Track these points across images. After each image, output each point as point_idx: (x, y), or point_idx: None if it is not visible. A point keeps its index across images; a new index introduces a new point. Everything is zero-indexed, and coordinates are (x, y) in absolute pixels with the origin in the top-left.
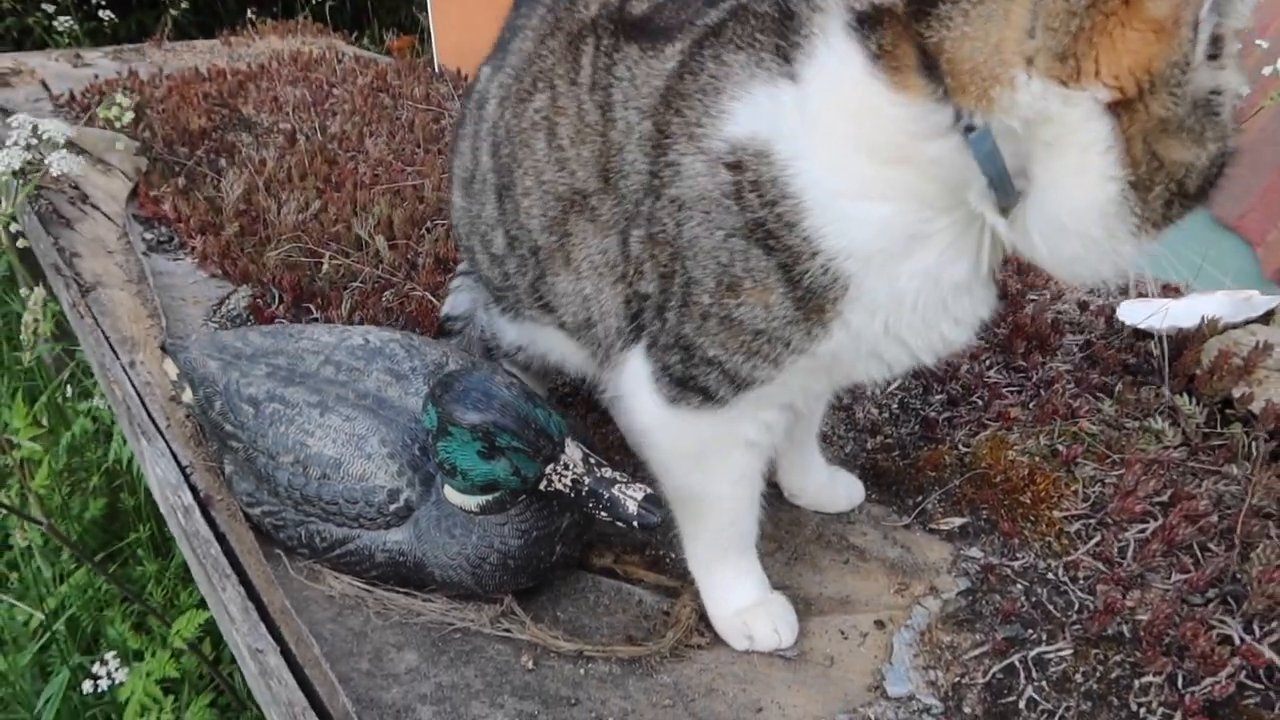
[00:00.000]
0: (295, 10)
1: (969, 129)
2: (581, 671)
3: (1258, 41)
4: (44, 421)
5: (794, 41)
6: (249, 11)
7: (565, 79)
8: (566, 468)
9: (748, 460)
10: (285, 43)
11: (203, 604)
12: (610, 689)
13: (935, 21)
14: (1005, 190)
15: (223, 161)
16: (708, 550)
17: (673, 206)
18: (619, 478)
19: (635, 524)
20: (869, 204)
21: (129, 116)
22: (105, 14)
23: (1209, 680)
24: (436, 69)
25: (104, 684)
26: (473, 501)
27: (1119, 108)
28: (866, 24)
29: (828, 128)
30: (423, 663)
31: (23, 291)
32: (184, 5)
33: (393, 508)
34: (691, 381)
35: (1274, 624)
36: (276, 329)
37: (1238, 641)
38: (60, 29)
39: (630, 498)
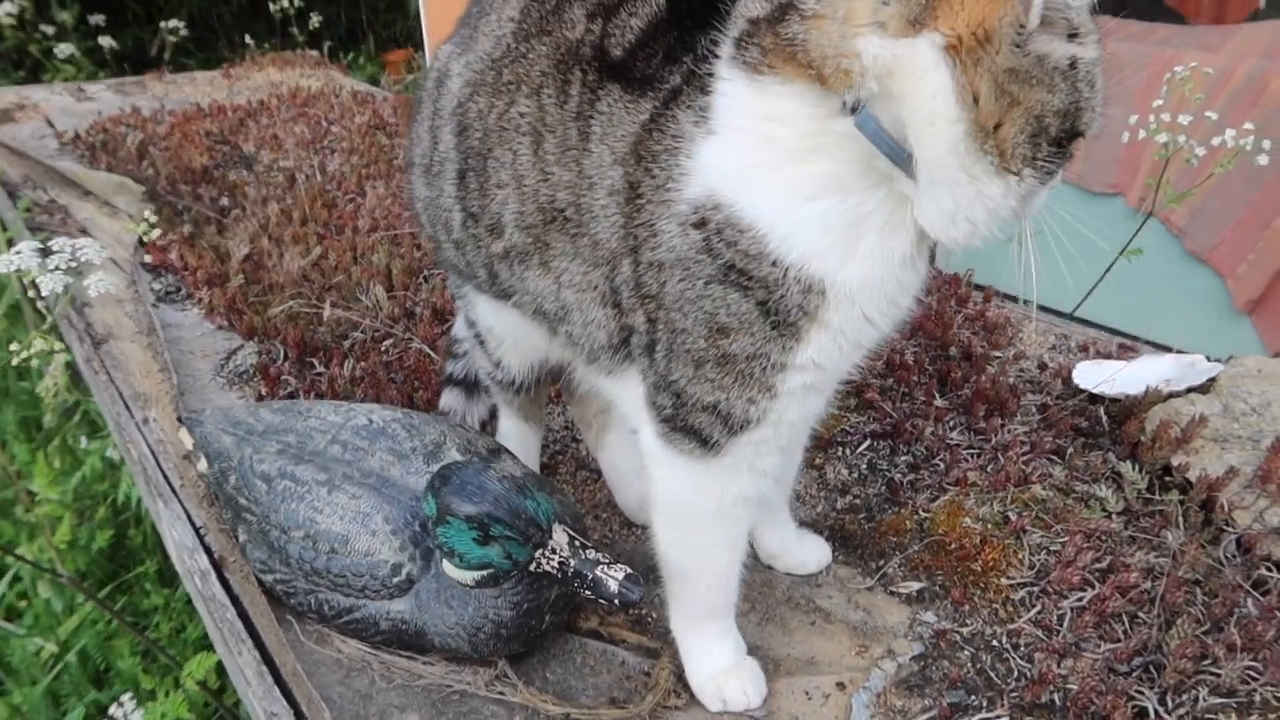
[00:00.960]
0: (290, 30)
1: (853, 109)
2: None
3: (1207, 113)
4: (56, 464)
5: (708, 102)
6: (246, 36)
7: (555, 101)
8: (554, 551)
9: (745, 516)
10: (284, 75)
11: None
12: None
13: (792, 14)
14: (901, 159)
15: (225, 200)
16: (692, 614)
17: (654, 269)
18: (602, 559)
19: (616, 601)
20: (808, 205)
21: (156, 234)
22: (105, 40)
23: None
24: None
25: None
26: (469, 577)
27: (959, 56)
28: (744, 42)
29: (751, 159)
30: None
31: (36, 343)
32: (182, 33)
33: (395, 580)
34: (683, 424)
35: (1184, 696)
36: (286, 405)
37: (1152, 715)
38: (61, 56)
39: (612, 577)
